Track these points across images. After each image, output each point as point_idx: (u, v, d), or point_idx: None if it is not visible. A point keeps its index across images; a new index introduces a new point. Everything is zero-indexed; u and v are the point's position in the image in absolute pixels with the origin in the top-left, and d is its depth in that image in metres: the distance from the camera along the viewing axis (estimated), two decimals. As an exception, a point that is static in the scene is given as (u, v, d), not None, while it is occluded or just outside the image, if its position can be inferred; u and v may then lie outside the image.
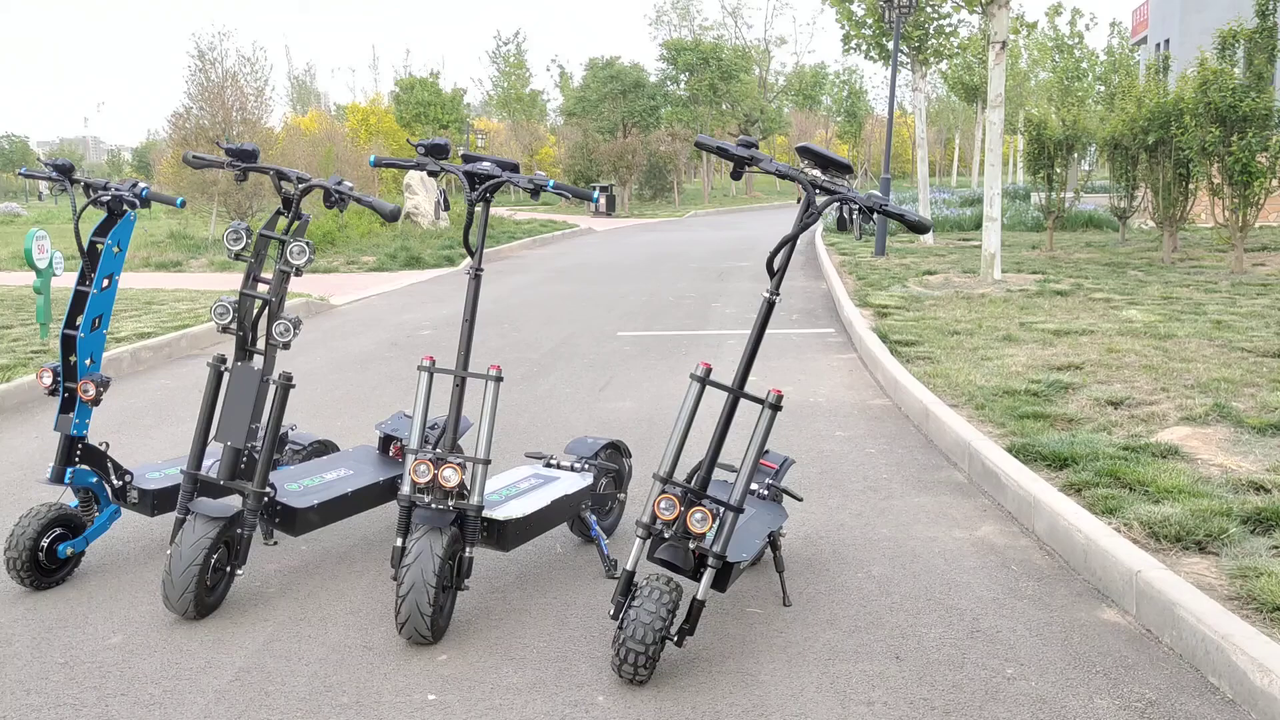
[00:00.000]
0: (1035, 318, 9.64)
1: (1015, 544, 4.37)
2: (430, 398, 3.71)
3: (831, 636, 3.54)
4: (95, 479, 4.24)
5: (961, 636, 3.51)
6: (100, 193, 4.11)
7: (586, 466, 4.31)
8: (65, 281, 11.78)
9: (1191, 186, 14.59)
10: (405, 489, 3.60)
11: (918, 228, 3.11)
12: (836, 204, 3.16)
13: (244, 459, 3.91)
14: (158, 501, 4.33)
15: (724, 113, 42.44)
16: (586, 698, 3.17)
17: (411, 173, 24.92)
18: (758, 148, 3.21)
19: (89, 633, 3.70)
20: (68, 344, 4.15)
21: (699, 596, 3.22)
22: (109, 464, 4.27)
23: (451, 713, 3.10)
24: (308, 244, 3.78)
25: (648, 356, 8.96)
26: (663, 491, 3.22)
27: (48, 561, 4.06)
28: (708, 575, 3.21)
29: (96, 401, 4.15)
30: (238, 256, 3.80)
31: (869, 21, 18.70)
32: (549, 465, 4.37)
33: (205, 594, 3.73)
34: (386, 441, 4.69)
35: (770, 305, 3.32)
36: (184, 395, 7.85)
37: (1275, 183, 12.57)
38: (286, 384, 3.85)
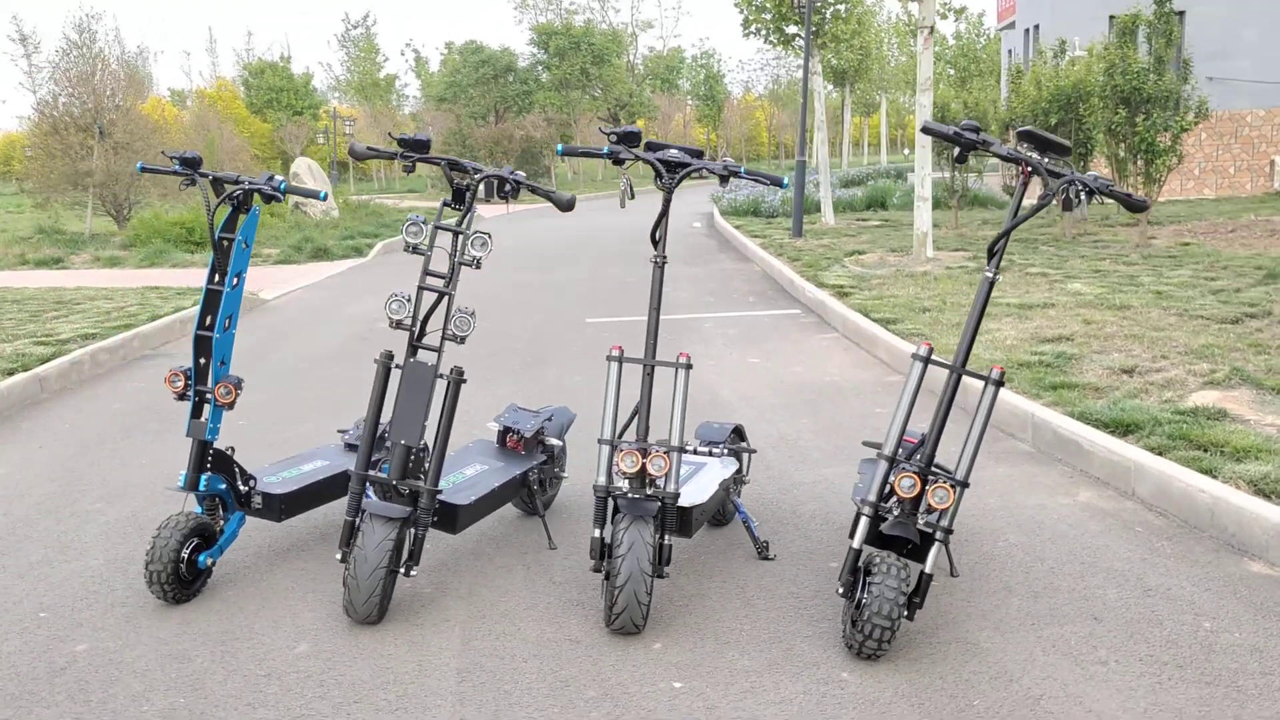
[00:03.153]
0: (991, 293, 10.03)
1: (1122, 506, 4.62)
2: (621, 387, 3.71)
3: (1019, 603, 3.69)
4: (223, 485, 4.08)
5: (1138, 595, 3.71)
6: (233, 187, 3.93)
7: (725, 451, 4.36)
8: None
9: (1089, 165, 15.38)
10: (602, 479, 3.58)
11: (1139, 207, 3.28)
12: (1064, 185, 3.29)
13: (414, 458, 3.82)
14: (286, 506, 4.19)
15: (596, 98, 42.41)
16: (831, 675, 3.24)
17: (299, 162, 24.19)
18: (982, 131, 3.32)
19: (267, 643, 3.57)
20: (201, 345, 3.97)
21: (927, 570, 3.32)
22: (236, 469, 4.11)
23: (708, 699, 3.12)
24: (488, 235, 3.72)
25: (635, 343, 8.98)
26: (902, 470, 3.31)
27: (187, 573, 3.89)
28: (935, 549, 3.32)
29: (231, 405, 3.98)
30: (415, 250, 3.70)
31: (768, 5, 19.01)
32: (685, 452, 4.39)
33: (386, 597, 3.65)
34: (504, 434, 4.64)
35: (991, 284, 3.43)
36: (169, 398, 7.50)
37: (1175, 160, 13.37)
38: (459, 379, 3.79)
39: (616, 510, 3.62)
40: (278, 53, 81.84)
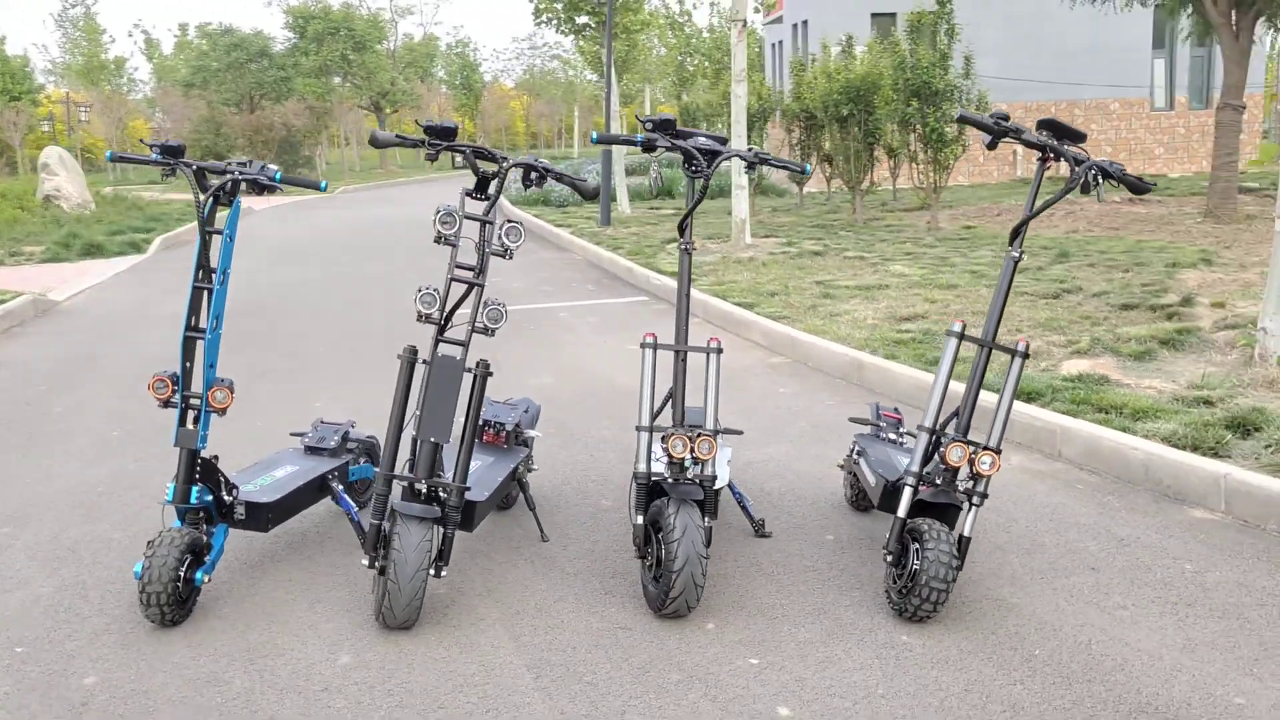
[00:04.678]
0: (824, 276, 10.54)
1: (1052, 468, 5.02)
2: (656, 374, 3.73)
3: (1017, 559, 3.98)
4: (210, 497, 3.82)
5: (1115, 546, 4.07)
6: (221, 177, 3.67)
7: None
8: None
9: (876, 154, 16.33)
10: (642, 466, 3.60)
11: (1145, 189, 3.58)
12: (1087, 170, 3.53)
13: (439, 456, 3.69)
14: (273, 515, 3.97)
15: (359, 86, 41.00)
16: (891, 639, 3.40)
17: (49, 151, 22.28)
18: (1009, 119, 3.53)
19: (301, 658, 3.39)
20: (189, 348, 3.70)
21: (967, 534, 3.53)
22: (220, 478, 3.85)
23: (792, 672, 3.21)
24: (520, 224, 3.63)
25: (517, 335, 8.89)
26: (952, 440, 3.49)
27: (184, 591, 3.63)
28: (973, 514, 3.53)
29: (224, 411, 3.73)
30: (446, 241, 3.57)
31: (559, -5, 19.08)
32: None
33: (420, 600, 3.54)
34: (481, 428, 4.54)
35: (1015, 263, 3.65)
36: (47, 408, 6.87)
37: (961, 150, 14.41)
38: (485, 372, 3.70)
39: (652, 496, 3.66)
40: (-13, 33, 74.92)
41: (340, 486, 4.33)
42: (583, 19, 19.32)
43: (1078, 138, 3.55)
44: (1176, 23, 24.23)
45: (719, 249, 13.05)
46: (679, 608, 3.49)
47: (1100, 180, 3.48)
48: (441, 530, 3.61)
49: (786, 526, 4.39)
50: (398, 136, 3.65)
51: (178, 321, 9.99)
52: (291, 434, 4.65)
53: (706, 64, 49.52)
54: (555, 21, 19.41)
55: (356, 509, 4.30)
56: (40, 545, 4.44)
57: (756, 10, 14.97)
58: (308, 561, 4.18)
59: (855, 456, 4.30)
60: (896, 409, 4.68)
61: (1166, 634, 3.36)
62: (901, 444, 4.39)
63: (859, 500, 4.50)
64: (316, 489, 4.26)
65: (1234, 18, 14.33)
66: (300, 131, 37.67)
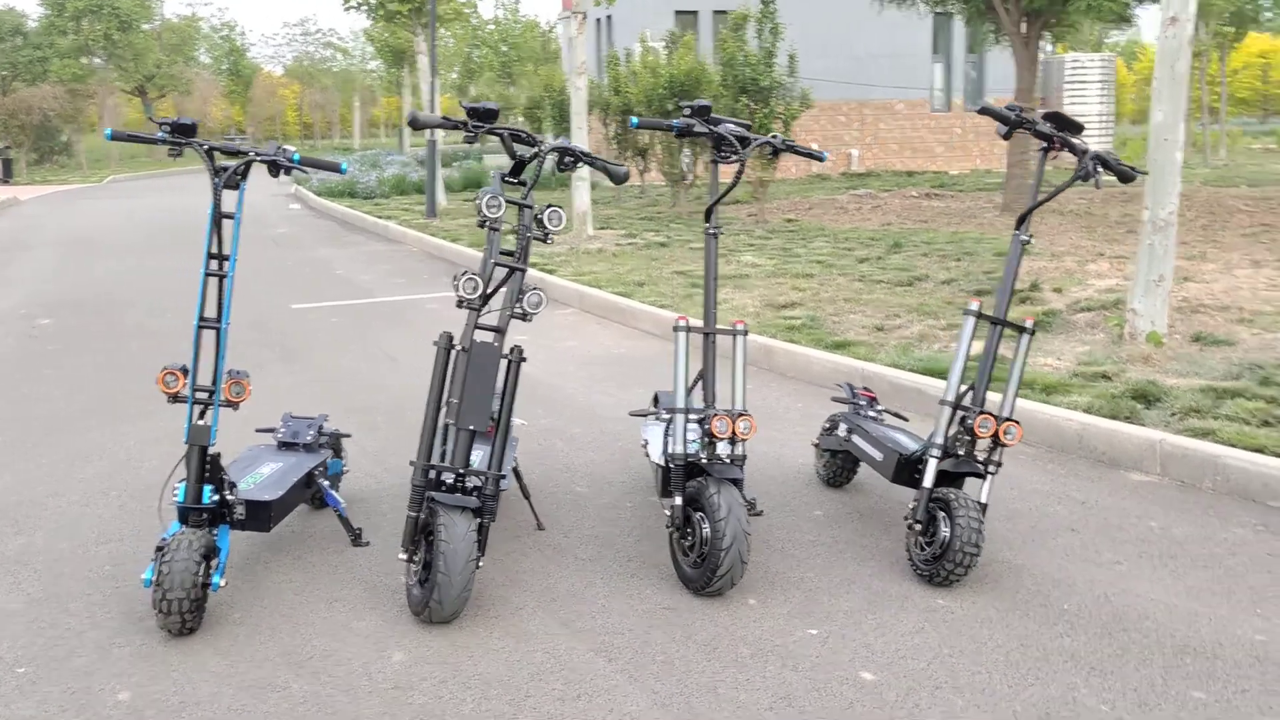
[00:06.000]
0: (680, 267, 10.73)
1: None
2: (689, 357, 3.76)
3: (1002, 525, 4.23)
4: (217, 496, 3.59)
5: (1081, 508, 4.40)
6: (235, 158, 3.44)
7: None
8: None
9: (697, 149, 16.71)
10: (679, 448, 3.64)
11: (1132, 178, 3.87)
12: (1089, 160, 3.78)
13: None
14: (275, 513, 3.77)
15: (126, 69, 38.29)
16: (929, 604, 3.56)
17: None
18: (1023, 112, 3.74)
19: (352, 658, 3.25)
20: (200, 340, 3.46)
21: (983, 500, 3.74)
22: (224, 477, 3.63)
23: (855, 639, 3.33)
24: (560, 209, 3.57)
25: (374, 326, 8.63)
26: (980, 413, 3.68)
27: (202, 596, 3.41)
28: (989, 481, 3.75)
29: (237, 405, 3.52)
30: (492, 225, 3.47)
31: (370, -19, 18.57)
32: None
33: (464, 592, 3.45)
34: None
35: (1024, 245, 3.87)
36: None
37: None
38: (520, 359, 3.63)
39: (685, 477, 3.71)
40: None
41: (325, 482, 4.15)
42: (394, 5, 18.87)
43: (1077, 129, 3.81)
44: (951, 31, 25.95)
45: (564, 240, 13.06)
46: (724, 585, 3.55)
47: (1100, 169, 3.76)
48: (478, 520, 3.53)
49: (772, 505, 4.51)
50: (443, 118, 3.53)
51: (2, 316, 9.19)
52: (258, 430, 4.40)
53: (493, 57, 49.25)
54: (366, 8, 18.87)
55: (343, 504, 4.14)
56: (-22, 559, 4.04)
57: (598, 4, 14.83)
58: (299, 561, 3.98)
59: (846, 434, 4.45)
60: (867, 388, 4.88)
61: (1167, 584, 3.68)
62: (882, 420, 4.58)
63: (836, 478, 4.67)
64: (305, 485, 4.07)
65: (1024, 27, 15.48)
66: (58, 116, 35.00)
